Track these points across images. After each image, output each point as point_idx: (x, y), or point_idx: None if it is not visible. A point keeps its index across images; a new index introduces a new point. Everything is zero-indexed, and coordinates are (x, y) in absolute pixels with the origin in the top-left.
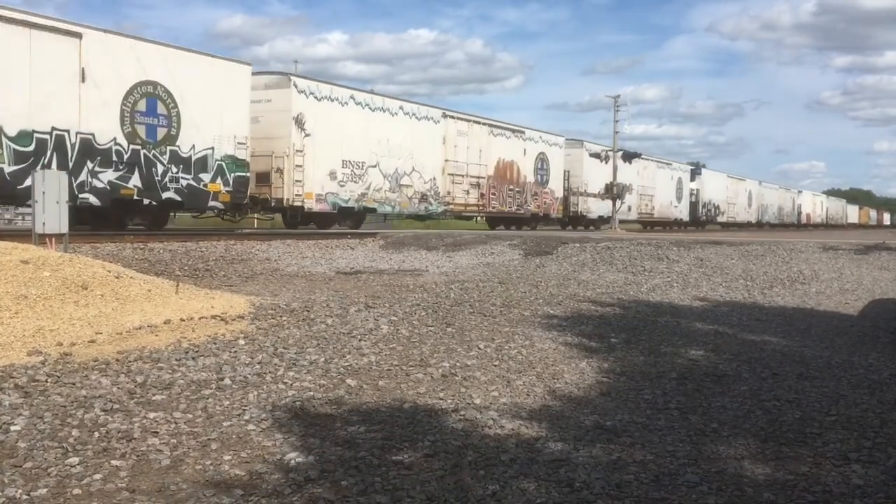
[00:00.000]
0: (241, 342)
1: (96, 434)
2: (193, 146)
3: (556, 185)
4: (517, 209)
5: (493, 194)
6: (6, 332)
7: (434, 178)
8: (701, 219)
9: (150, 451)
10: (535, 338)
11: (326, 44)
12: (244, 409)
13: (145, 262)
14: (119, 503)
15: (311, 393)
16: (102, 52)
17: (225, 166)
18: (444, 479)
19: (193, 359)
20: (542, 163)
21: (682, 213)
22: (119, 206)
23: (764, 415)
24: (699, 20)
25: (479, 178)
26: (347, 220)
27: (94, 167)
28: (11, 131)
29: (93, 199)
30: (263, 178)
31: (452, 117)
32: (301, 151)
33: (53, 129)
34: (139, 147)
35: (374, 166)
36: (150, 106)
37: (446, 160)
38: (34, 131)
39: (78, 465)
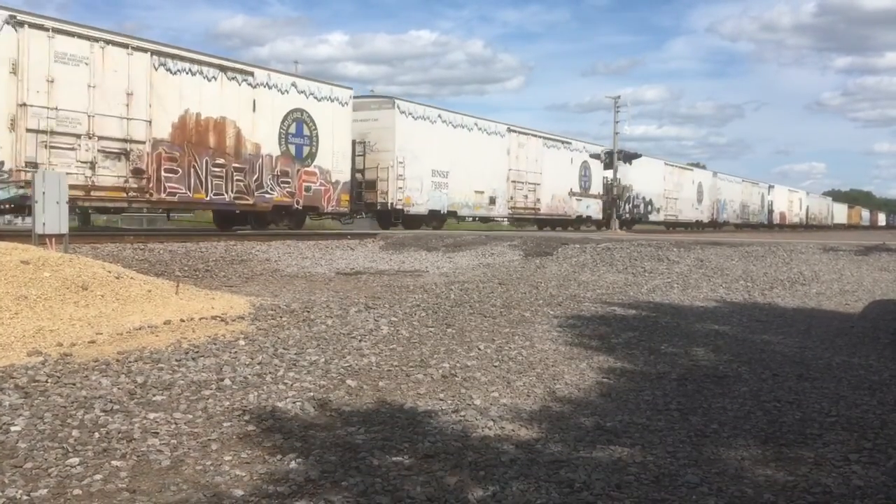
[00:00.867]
0: (242, 343)
1: (96, 434)
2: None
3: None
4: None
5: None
6: (6, 332)
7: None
8: (623, 216)
9: (150, 451)
10: (535, 339)
11: (327, 44)
12: (244, 410)
13: (145, 263)
14: None
15: (312, 393)
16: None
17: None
18: (444, 480)
19: (194, 359)
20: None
21: (590, 208)
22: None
23: (764, 416)
24: (699, 21)
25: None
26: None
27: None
28: None
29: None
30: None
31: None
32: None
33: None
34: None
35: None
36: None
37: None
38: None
39: (78, 465)
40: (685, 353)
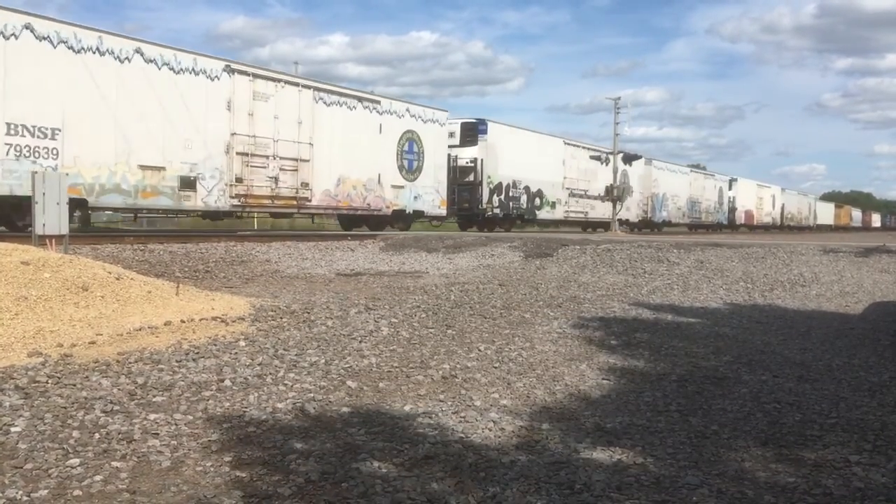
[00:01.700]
0: (242, 344)
1: (97, 435)
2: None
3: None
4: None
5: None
6: (7, 333)
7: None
8: (487, 212)
9: (150, 452)
10: (535, 340)
11: (328, 45)
12: (244, 411)
13: (145, 264)
14: None
15: (312, 395)
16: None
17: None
18: (444, 482)
19: (194, 360)
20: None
21: (428, 198)
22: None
23: (764, 417)
24: (699, 23)
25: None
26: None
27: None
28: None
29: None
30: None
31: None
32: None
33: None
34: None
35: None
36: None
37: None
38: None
39: (78, 466)
40: (685, 354)
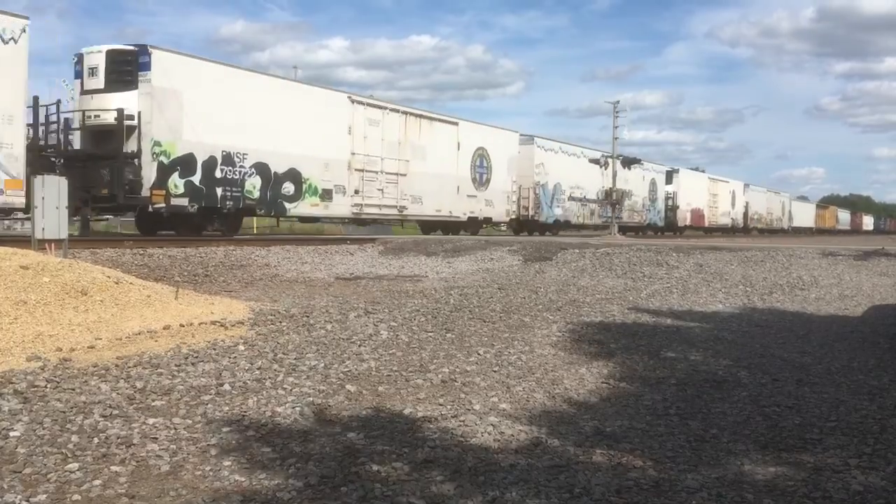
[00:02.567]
0: (241, 348)
1: (96, 440)
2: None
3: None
4: (734, 224)
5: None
6: (6, 337)
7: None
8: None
9: (149, 456)
10: (534, 343)
11: (327, 50)
12: (244, 415)
13: (145, 268)
14: None
15: (311, 398)
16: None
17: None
18: (444, 485)
19: (193, 364)
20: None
21: None
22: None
23: (764, 420)
24: (698, 27)
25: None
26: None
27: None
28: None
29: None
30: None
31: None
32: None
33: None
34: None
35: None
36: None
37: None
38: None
39: (77, 470)
40: (685, 357)
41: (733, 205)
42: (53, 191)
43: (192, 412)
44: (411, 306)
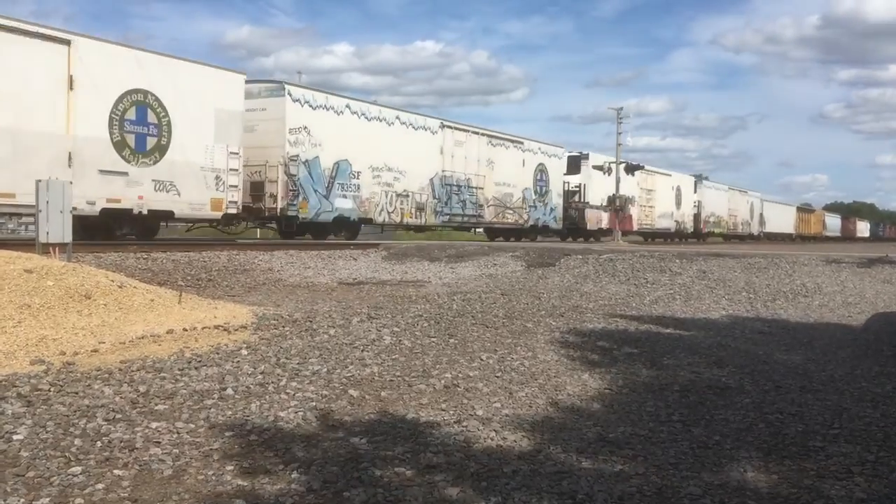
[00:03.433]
0: (244, 352)
1: (99, 443)
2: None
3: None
4: (680, 227)
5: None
6: (10, 341)
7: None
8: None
9: (152, 460)
10: (537, 349)
11: (332, 55)
12: (246, 420)
13: (148, 272)
14: None
15: (314, 403)
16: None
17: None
18: (446, 491)
19: (196, 368)
20: (541, 176)
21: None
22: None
23: (767, 427)
24: (702, 34)
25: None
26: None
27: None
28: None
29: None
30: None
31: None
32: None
33: (508, 184)
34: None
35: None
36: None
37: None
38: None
39: (80, 474)
40: (688, 364)
41: (678, 204)
42: (58, 195)
43: (195, 416)
44: (414, 311)
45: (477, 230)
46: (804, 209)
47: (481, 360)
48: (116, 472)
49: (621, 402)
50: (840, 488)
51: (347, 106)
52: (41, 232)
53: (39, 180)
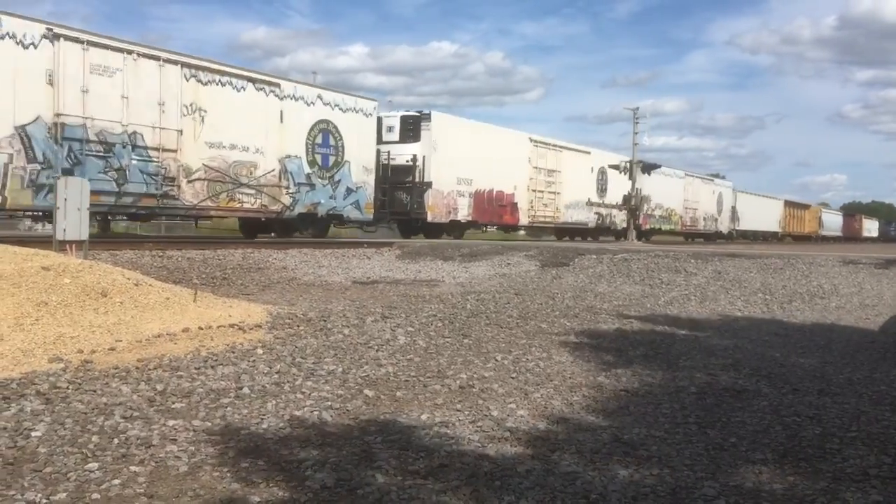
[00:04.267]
0: (259, 351)
1: (116, 440)
2: (610, 199)
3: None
4: (604, 221)
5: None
6: (28, 338)
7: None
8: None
9: (168, 457)
10: (552, 350)
11: (347, 56)
12: (262, 418)
13: (164, 270)
14: None
15: (329, 403)
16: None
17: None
18: (459, 490)
19: (212, 367)
20: (602, 176)
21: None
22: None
23: (783, 430)
24: (718, 34)
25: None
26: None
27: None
28: None
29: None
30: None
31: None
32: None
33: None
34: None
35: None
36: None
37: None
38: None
39: (97, 470)
40: (703, 366)
41: (602, 192)
42: (76, 192)
43: (212, 415)
44: (428, 311)
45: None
46: (795, 204)
47: (496, 360)
48: (133, 468)
49: (636, 404)
50: (856, 491)
51: None
52: (58, 229)
53: (58, 177)
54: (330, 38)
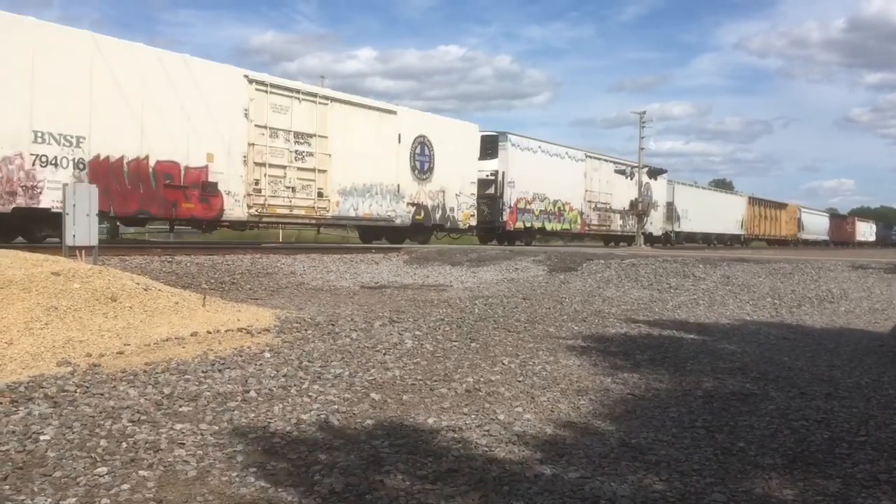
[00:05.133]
0: (267, 355)
1: (124, 444)
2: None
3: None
4: (623, 230)
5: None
6: (37, 342)
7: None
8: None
9: (176, 462)
10: (559, 354)
11: (355, 60)
12: (269, 422)
13: (172, 275)
14: None
15: (336, 406)
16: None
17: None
18: (467, 495)
19: (220, 371)
20: (648, 189)
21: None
22: (625, 235)
23: (792, 434)
24: (726, 38)
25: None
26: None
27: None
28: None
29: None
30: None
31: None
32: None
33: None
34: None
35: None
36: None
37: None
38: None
39: (106, 474)
40: (711, 370)
41: (422, 171)
42: (84, 198)
43: (219, 418)
44: (436, 315)
45: None
46: (765, 202)
47: (503, 364)
48: (141, 472)
49: (644, 408)
50: (867, 496)
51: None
52: (67, 235)
53: (66, 184)
54: (338, 42)
